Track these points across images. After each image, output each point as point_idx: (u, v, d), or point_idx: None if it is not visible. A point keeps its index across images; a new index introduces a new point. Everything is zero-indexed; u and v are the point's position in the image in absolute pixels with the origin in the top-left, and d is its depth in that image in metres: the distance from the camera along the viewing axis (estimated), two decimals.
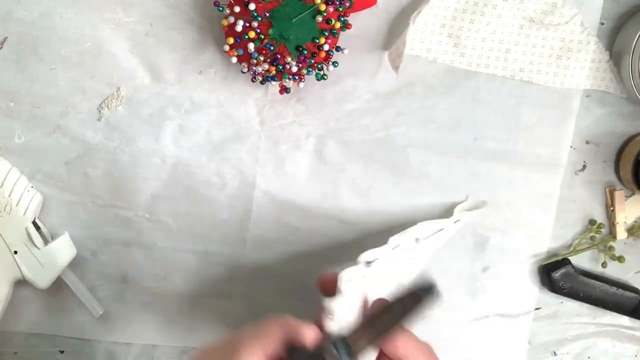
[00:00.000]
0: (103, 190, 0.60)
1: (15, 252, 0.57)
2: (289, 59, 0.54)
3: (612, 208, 0.61)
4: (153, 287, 0.62)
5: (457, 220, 0.58)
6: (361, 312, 0.47)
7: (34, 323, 0.61)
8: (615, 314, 0.63)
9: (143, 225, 0.61)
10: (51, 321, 0.61)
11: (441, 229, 0.56)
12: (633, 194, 0.61)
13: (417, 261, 0.56)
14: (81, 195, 0.60)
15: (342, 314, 0.45)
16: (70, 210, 0.60)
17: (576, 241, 0.62)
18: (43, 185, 0.60)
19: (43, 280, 0.58)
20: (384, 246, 0.49)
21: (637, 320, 0.63)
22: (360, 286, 0.47)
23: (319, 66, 0.56)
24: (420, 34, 0.58)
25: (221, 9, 0.54)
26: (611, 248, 0.61)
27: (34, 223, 0.58)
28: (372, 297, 0.48)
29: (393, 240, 0.49)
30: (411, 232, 0.52)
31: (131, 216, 0.60)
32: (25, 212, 0.58)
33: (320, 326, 0.45)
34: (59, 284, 0.59)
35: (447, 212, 0.61)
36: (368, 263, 0.48)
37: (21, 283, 0.58)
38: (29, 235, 0.57)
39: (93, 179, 0.60)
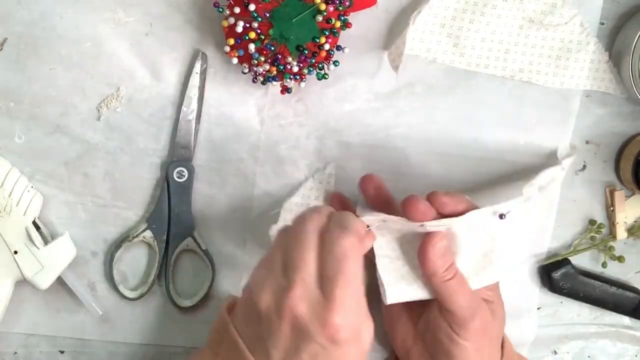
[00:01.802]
0: (103, 190, 0.60)
1: (16, 252, 0.57)
2: (289, 59, 0.54)
3: (612, 208, 0.61)
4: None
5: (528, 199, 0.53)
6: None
7: (34, 323, 0.61)
8: (615, 313, 0.63)
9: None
10: (51, 321, 0.61)
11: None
12: (633, 194, 0.61)
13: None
14: (81, 195, 0.60)
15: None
16: (70, 210, 0.60)
17: (576, 241, 0.62)
18: (43, 185, 0.60)
19: (43, 280, 0.58)
20: (518, 198, 0.51)
21: (637, 320, 0.63)
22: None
23: (320, 65, 0.56)
24: (420, 34, 0.58)
25: (221, 10, 0.54)
26: (611, 248, 0.61)
27: (34, 223, 0.58)
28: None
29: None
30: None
31: (131, 216, 0.60)
32: (25, 212, 0.58)
33: None
34: (59, 284, 0.59)
35: None
36: (502, 215, 0.50)
37: (21, 283, 0.58)
38: (29, 235, 0.57)
39: (93, 179, 0.60)
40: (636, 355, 0.63)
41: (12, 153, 0.59)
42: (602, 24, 0.59)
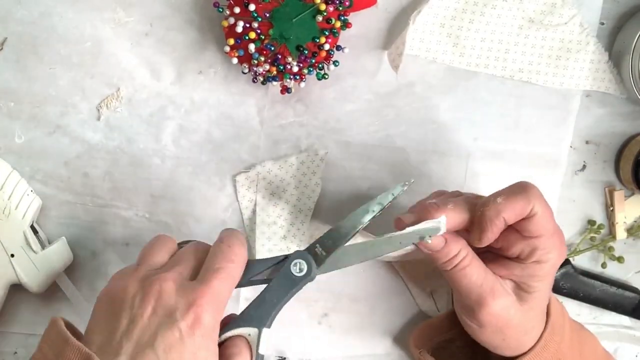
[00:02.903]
0: (103, 190, 0.60)
1: (12, 256, 0.57)
2: (289, 59, 0.54)
3: (611, 208, 0.61)
4: None
5: None
6: None
7: (34, 323, 0.61)
8: (615, 313, 0.63)
9: (143, 225, 0.61)
10: None
11: None
12: (633, 193, 0.61)
13: None
14: (81, 195, 0.60)
15: None
16: (70, 210, 0.60)
17: (577, 242, 0.62)
18: (43, 186, 0.60)
19: (38, 284, 0.58)
20: None
21: (637, 320, 0.63)
22: None
23: (320, 65, 0.56)
24: (419, 34, 0.58)
25: (221, 10, 0.54)
26: (611, 249, 0.61)
27: (32, 227, 0.58)
28: None
29: None
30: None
31: (131, 216, 0.60)
32: (23, 216, 0.57)
33: None
34: (58, 286, 0.59)
35: None
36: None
37: (19, 284, 0.58)
38: (26, 239, 0.57)
39: (93, 179, 0.60)
40: (636, 356, 0.63)
41: (12, 153, 0.59)
42: (602, 24, 0.59)
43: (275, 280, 0.47)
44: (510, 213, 0.46)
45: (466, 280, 0.48)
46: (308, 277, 0.47)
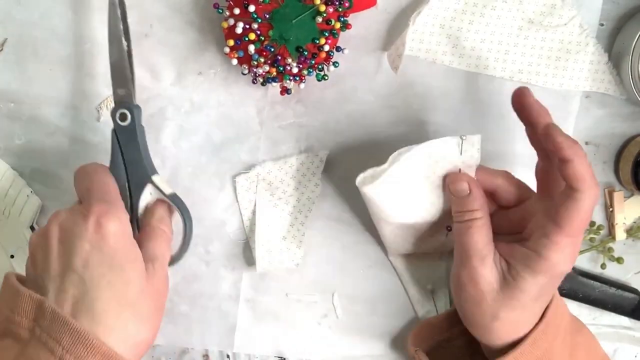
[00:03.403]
0: None
1: (12, 256, 0.57)
2: (289, 60, 0.54)
3: (611, 209, 0.61)
4: None
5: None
6: None
7: None
8: (614, 314, 0.63)
9: None
10: None
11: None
12: (632, 194, 0.61)
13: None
14: None
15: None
16: None
17: None
18: (43, 186, 0.60)
19: None
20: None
21: (637, 321, 0.63)
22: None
23: (320, 67, 0.56)
24: (419, 35, 0.58)
25: (221, 11, 0.54)
26: (610, 249, 0.61)
27: (32, 227, 0.58)
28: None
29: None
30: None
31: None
32: (23, 217, 0.58)
33: None
34: None
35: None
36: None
37: None
38: (26, 239, 0.57)
39: None
40: (636, 356, 0.63)
41: (12, 154, 0.59)
42: (602, 25, 0.59)
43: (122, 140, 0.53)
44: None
45: (468, 239, 0.50)
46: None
